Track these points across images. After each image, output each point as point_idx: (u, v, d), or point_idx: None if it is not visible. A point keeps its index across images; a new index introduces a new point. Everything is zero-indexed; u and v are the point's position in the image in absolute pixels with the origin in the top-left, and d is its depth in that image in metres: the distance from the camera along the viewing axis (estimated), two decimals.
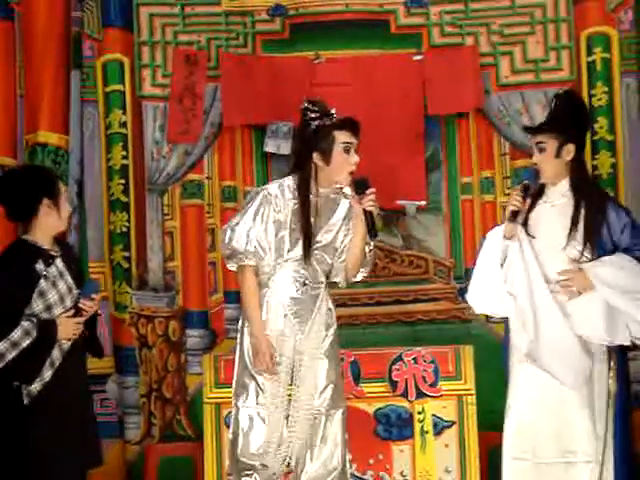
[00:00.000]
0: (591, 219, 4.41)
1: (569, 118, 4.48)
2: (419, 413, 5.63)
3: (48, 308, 4.22)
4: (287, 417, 4.52)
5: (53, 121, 6.14)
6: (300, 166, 4.49)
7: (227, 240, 4.44)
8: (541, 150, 4.47)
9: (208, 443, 5.70)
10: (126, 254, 6.56)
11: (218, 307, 6.73)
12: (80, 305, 4.25)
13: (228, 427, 5.40)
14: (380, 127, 6.49)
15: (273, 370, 4.36)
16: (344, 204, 4.55)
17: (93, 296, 4.30)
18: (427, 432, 5.62)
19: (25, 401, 4.17)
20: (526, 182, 4.45)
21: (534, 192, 4.55)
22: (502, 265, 4.51)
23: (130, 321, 6.42)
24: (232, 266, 4.49)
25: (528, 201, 4.46)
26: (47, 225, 4.30)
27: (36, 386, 4.17)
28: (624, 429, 4.46)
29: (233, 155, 6.78)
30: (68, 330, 4.23)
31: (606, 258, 4.38)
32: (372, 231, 4.54)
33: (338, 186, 4.53)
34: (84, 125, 6.48)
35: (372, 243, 4.59)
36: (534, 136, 4.55)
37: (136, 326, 6.48)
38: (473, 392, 5.60)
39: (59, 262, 4.32)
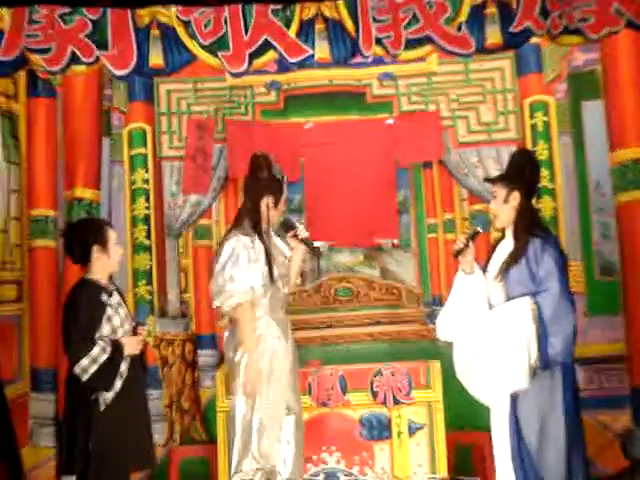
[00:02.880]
0: (512, 251, 4.42)
1: (516, 170, 4.52)
2: (396, 418, 5.65)
3: (113, 331, 4.45)
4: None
5: (87, 179, 6.25)
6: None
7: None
8: (495, 198, 4.55)
9: (221, 445, 5.65)
10: (149, 288, 6.66)
11: (224, 331, 6.42)
12: (138, 332, 4.54)
13: None
14: (359, 178, 6.79)
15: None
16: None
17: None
18: (402, 433, 5.63)
19: (101, 408, 4.36)
20: (477, 228, 4.52)
21: (499, 238, 4.64)
22: (460, 298, 4.55)
23: (154, 344, 6.46)
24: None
25: (471, 244, 4.47)
26: (100, 267, 4.53)
27: (110, 394, 4.37)
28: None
29: (236, 203, 6.80)
30: (131, 347, 4.46)
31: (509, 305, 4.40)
32: (314, 250, 4.81)
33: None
34: (112, 182, 6.66)
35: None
36: (492, 187, 4.61)
37: (158, 348, 6.54)
38: (440, 399, 5.60)
39: (116, 294, 4.58)
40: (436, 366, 5.68)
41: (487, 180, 4.86)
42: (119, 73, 5.87)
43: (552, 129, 6.62)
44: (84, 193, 6.25)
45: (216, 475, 5.74)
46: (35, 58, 5.74)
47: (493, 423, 4.49)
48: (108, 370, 4.37)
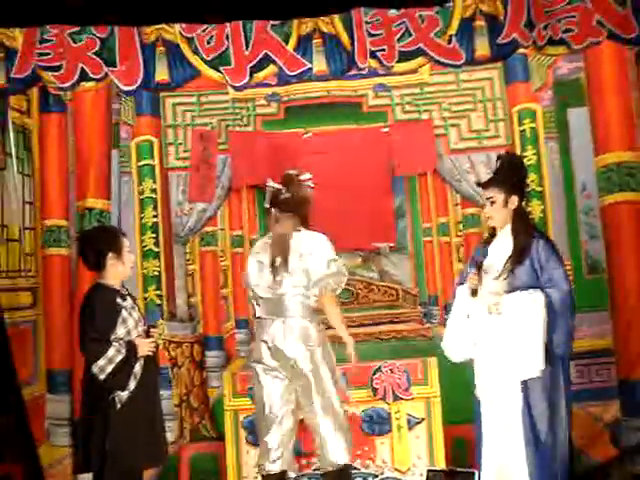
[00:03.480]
0: (516, 252, 4.49)
1: (511, 175, 4.59)
2: (395, 413, 5.66)
3: (128, 332, 4.50)
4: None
5: (98, 190, 6.26)
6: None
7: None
8: (492, 203, 4.60)
9: (229, 442, 5.71)
10: (158, 292, 6.66)
11: (230, 332, 6.89)
12: (151, 334, 4.59)
13: (245, 429, 5.64)
14: (357, 185, 6.82)
15: None
16: None
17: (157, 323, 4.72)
18: (402, 427, 5.64)
19: (117, 407, 4.39)
20: (479, 261, 4.58)
21: (490, 235, 4.71)
22: (467, 320, 4.62)
23: (163, 346, 6.42)
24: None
25: (482, 275, 4.55)
26: (114, 273, 4.57)
27: (125, 394, 4.41)
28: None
29: (240, 210, 7.00)
30: (144, 348, 4.50)
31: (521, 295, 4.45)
32: None
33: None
34: (122, 192, 6.64)
35: None
36: (485, 191, 4.66)
37: (168, 350, 6.55)
38: (438, 394, 5.64)
39: (129, 298, 4.63)
40: (433, 363, 5.70)
41: (479, 185, 4.90)
42: (127, 88, 5.96)
43: (539, 135, 6.67)
44: (95, 203, 6.27)
45: (225, 470, 5.75)
46: (47, 75, 5.85)
47: (496, 415, 4.53)
48: (123, 370, 4.41)
